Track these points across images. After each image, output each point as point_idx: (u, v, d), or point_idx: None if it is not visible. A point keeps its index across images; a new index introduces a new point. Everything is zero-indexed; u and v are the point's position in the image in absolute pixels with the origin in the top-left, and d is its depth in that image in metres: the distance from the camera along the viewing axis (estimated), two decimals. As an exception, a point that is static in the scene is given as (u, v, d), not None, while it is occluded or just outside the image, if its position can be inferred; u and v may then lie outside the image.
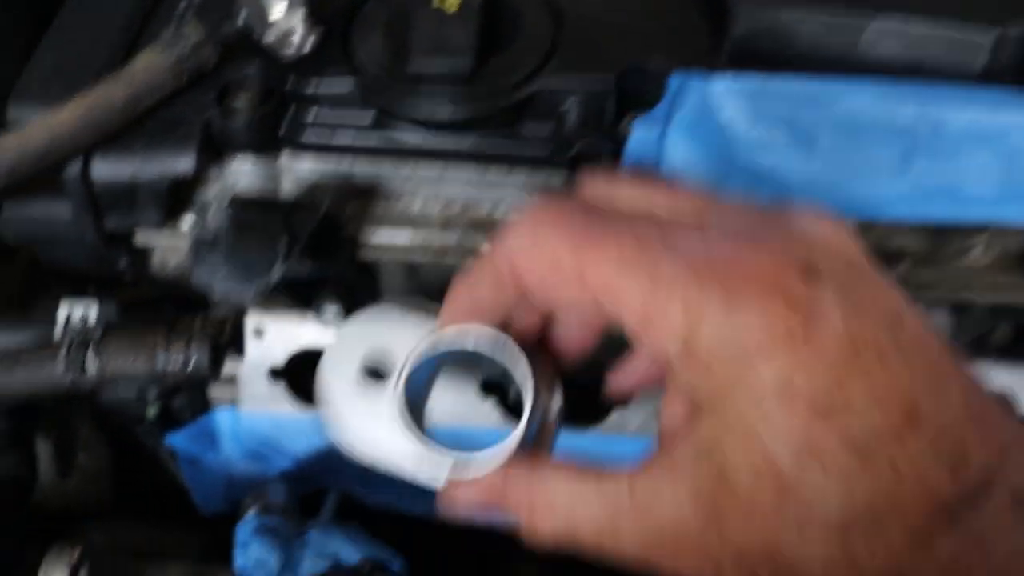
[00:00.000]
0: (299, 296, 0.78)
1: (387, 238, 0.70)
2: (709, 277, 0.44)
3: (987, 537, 0.42)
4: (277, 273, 0.59)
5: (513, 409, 0.74)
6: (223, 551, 0.78)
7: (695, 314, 0.44)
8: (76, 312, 0.66)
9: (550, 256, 0.47)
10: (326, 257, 0.69)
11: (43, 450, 0.85)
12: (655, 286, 0.44)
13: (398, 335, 0.61)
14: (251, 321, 0.81)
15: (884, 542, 0.43)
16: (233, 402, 0.86)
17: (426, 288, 0.75)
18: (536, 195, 0.68)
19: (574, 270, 0.46)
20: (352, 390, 0.63)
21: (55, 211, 0.68)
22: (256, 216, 0.59)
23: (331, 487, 0.85)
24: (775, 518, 0.44)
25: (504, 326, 0.52)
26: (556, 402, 0.53)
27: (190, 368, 0.60)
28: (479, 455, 0.52)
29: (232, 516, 0.89)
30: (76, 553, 0.68)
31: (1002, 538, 0.42)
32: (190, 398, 0.87)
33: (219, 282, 0.59)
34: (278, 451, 0.86)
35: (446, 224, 0.71)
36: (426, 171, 0.69)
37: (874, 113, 0.65)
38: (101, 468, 0.91)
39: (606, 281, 0.45)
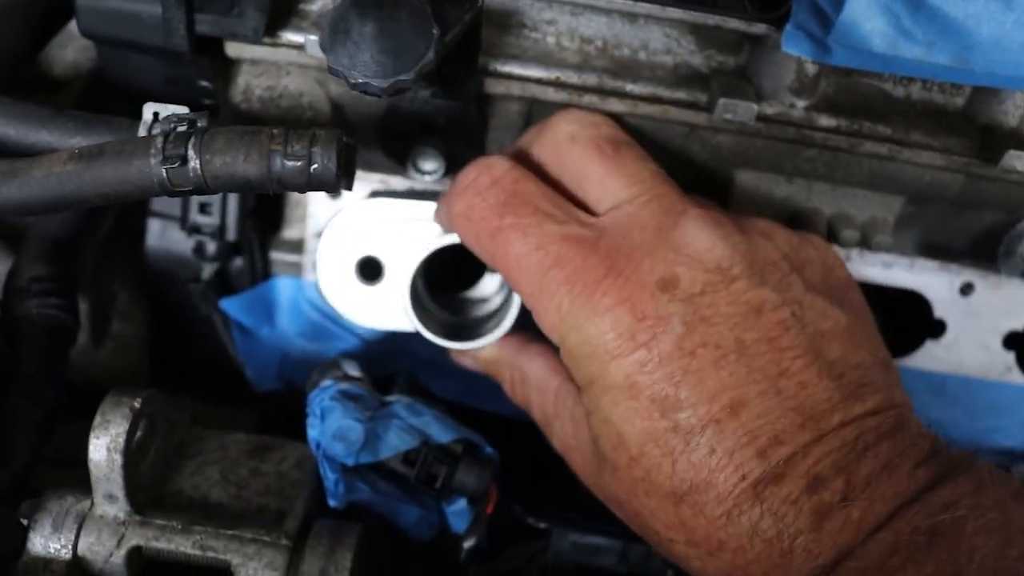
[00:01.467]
0: (393, 150, 0.70)
1: (519, 70, 0.62)
2: (580, 290, 0.54)
3: (784, 512, 0.49)
4: (426, 64, 0.51)
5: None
6: (277, 431, 0.69)
7: (565, 320, 0.55)
8: (164, 113, 0.57)
9: (473, 231, 0.59)
10: (453, 82, 0.60)
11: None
12: (540, 288, 0.56)
13: (389, 230, 0.68)
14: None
15: (704, 512, 0.51)
16: (297, 271, 0.77)
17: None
18: (501, 152, 0.64)
19: (488, 251, 0.58)
20: (352, 282, 0.70)
21: (142, 4, 0.59)
22: (402, 2, 0.50)
23: (396, 372, 0.76)
24: (629, 481, 0.54)
25: None
26: None
27: (313, 170, 0.51)
28: (477, 343, 0.66)
29: (286, 395, 0.80)
30: (138, 401, 0.58)
31: (793, 513, 0.49)
32: (251, 260, 0.78)
33: (359, 68, 0.51)
34: (341, 329, 0.78)
35: (584, 63, 0.63)
36: (569, -1, 0.61)
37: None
38: (138, 339, 0.80)
39: (507, 271, 0.58)
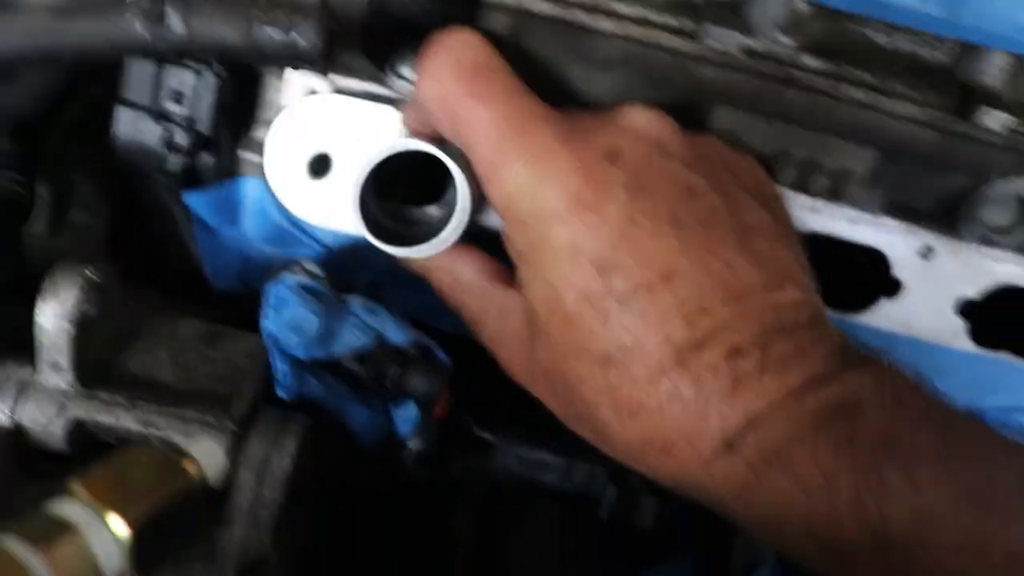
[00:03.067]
0: (375, 54, 0.69)
1: (511, -24, 0.62)
2: (535, 156, 0.57)
3: (703, 377, 0.53)
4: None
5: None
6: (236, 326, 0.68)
7: (517, 183, 0.57)
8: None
9: (441, 93, 0.60)
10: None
11: (36, 199, 0.73)
12: (499, 154, 0.58)
13: (340, 129, 0.68)
14: (302, 80, 0.71)
15: (628, 374, 0.54)
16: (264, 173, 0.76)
17: (531, 53, 0.67)
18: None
19: (452, 113, 0.60)
20: (302, 180, 0.69)
21: None
22: None
23: (358, 282, 0.76)
24: (561, 346, 0.57)
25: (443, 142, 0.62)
26: (477, 201, 0.64)
27: (296, 41, 0.50)
28: (418, 251, 0.65)
29: (245, 296, 0.78)
30: (91, 271, 0.57)
31: (711, 378, 0.52)
32: (218, 156, 0.76)
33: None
34: (305, 236, 0.76)
35: (577, -24, 0.63)
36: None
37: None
38: (97, 230, 0.79)
39: (468, 136, 0.59)
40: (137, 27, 0.50)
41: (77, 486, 0.43)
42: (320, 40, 0.50)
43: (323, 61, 0.51)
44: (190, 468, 0.46)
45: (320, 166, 0.71)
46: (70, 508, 0.42)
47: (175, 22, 0.50)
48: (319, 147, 0.70)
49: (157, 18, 0.50)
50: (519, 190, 0.57)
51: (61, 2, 0.53)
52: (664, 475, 0.57)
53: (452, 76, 0.59)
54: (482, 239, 0.70)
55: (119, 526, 0.42)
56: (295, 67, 0.51)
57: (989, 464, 0.50)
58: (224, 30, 0.50)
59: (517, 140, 0.58)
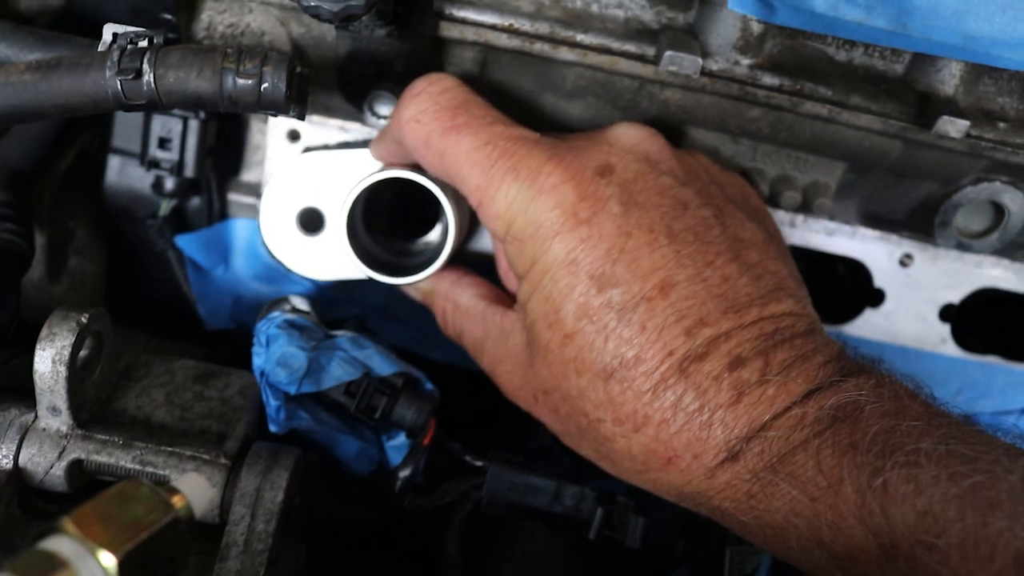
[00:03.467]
0: (351, 95, 0.72)
1: (473, 15, 0.64)
2: (526, 175, 0.57)
3: (706, 387, 0.53)
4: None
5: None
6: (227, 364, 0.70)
7: (512, 205, 0.58)
8: (124, 34, 0.58)
9: (424, 134, 0.60)
10: (408, 23, 0.62)
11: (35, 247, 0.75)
12: (488, 179, 0.58)
13: (327, 180, 0.72)
14: (284, 122, 0.74)
15: (632, 387, 0.54)
16: (253, 213, 0.79)
17: (501, 85, 0.69)
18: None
19: (438, 150, 0.60)
20: (297, 237, 0.73)
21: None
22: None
23: (347, 316, 0.78)
24: (561, 361, 0.57)
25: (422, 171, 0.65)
26: (466, 225, 0.69)
27: (263, 89, 0.52)
28: (413, 278, 0.68)
29: (237, 335, 0.81)
30: (85, 316, 0.59)
31: (715, 388, 0.53)
32: (208, 199, 0.79)
33: (309, -10, 0.52)
34: (295, 273, 0.79)
35: (537, 12, 0.65)
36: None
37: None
38: (94, 276, 0.81)
39: (456, 167, 0.60)
40: (115, 83, 0.52)
41: (68, 523, 0.44)
42: (284, 86, 0.52)
43: (292, 106, 0.53)
44: (177, 502, 0.48)
45: (313, 222, 0.73)
46: (61, 544, 0.44)
47: (150, 77, 0.52)
48: (306, 201, 0.73)
49: (134, 73, 0.52)
50: (513, 209, 0.58)
51: (41, 58, 0.55)
52: (667, 488, 0.57)
53: (432, 116, 0.60)
54: (479, 267, 0.72)
55: (108, 560, 0.44)
56: (268, 113, 0.53)
57: (991, 465, 0.48)
58: (197, 83, 0.52)
59: (505, 161, 0.58)
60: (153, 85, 0.53)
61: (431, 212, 0.74)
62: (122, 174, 0.77)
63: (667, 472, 0.55)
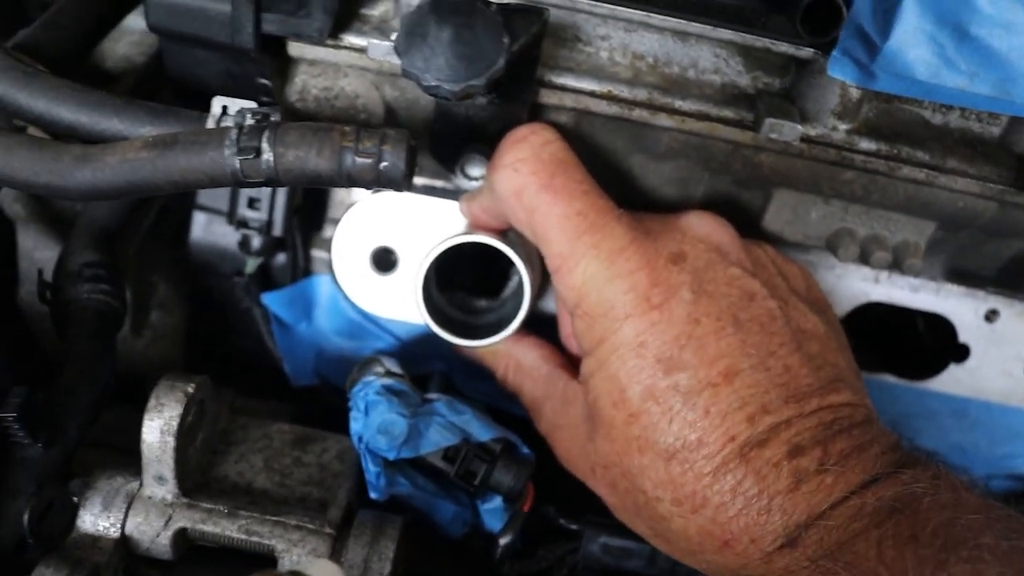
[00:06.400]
0: (443, 155, 0.72)
1: (573, 82, 0.65)
2: (606, 255, 0.59)
3: (766, 473, 0.54)
4: (497, 70, 0.53)
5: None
6: (312, 425, 0.71)
7: (588, 281, 0.59)
8: (233, 108, 0.59)
9: (519, 184, 0.61)
10: (510, 92, 0.63)
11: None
12: (572, 249, 0.60)
13: (404, 224, 0.72)
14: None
15: (693, 469, 0.56)
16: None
17: (591, 145, 0.69)
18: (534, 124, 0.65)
19: (530, 206, 0.61)
20: (368, 275, 0.74)
21: (211, 1, 0.61)
22: (478, 11, 0.53)
23: (431, 372, 0.78)
24: (624, 440, 0.58)
25: (502, 234, 0.67)
26: (538, 289, 0.69)
27: (382, 167, 0.53)
28: (485, 341, 0.68)
29: (321, 391, 0.81)
30: (191, 386, 0.60)
31: (775, 475, 0.54)
32: (294, 257, 0.79)
33: (433, 71, 0.53)
34: (378, 328, 0.79)
35: (635, 78, 0.66)
36: (624, 14, 0.63)
37: None
38: (176, 330, 0.82)
39: (542, 228, 0.61)
40: (234, 162, 0.53)
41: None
42: (404, 164, 0.53)
43: (407, 182, 0.53)
44: (309, 587, 0.48)
45: (385, 261, 0.74)
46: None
47: (269, 156, 0.53)
48: (383, 242, 0.73)
49: (254, 152, 0.53)
50: (588, 284, 0.59)
51: (158, 135, 0.56)
52: (722, 570, 0.57)
53: (530, 169, 0.61)
54: (542, 325, 0.72)
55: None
56: (382, 187, 0.54)
57: None
58: (317, 161, 0.53)
59: (590, 236, 0.60)
60: (272, 164, 0.53)
61: (502, 266, 0.74)
62: (208, 231, 0.78)
63: (723, 555, 0.56)
